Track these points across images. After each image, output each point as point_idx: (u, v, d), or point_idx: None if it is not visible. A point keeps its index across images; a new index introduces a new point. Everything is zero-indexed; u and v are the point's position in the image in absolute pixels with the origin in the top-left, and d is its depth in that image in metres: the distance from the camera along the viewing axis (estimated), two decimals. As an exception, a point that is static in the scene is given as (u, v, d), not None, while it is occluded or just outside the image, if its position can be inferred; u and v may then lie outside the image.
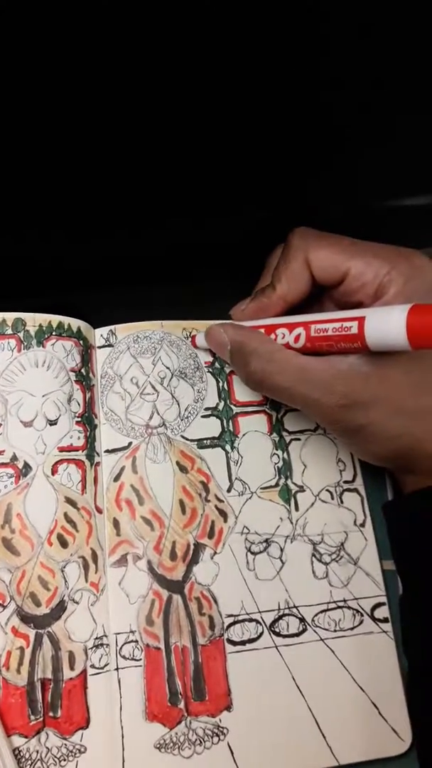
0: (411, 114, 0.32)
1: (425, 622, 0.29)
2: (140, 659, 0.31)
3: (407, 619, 0.32)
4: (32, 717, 0.30)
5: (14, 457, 0.33)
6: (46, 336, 0.35)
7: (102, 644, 0.31)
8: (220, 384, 0.37)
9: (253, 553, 0.34)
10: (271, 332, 0.31)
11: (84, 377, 0.35)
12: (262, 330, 0.32)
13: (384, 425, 0.29)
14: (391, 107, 0.31)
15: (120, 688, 0.31)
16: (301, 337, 0.30)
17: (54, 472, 0.33)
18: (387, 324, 0.25)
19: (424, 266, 0.29)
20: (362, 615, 0.33)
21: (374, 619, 0.33)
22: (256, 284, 0.36)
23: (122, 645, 0.31)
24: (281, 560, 0.34)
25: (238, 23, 0.24)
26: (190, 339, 0.37)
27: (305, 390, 0.29)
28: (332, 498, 0.35)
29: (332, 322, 0.28)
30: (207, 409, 0.36)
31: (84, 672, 0.31)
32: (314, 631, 0.33)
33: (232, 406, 0.36)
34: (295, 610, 0.33)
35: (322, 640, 0.33)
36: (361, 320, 0.26)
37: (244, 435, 0.36)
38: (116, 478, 0.34)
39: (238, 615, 0.33)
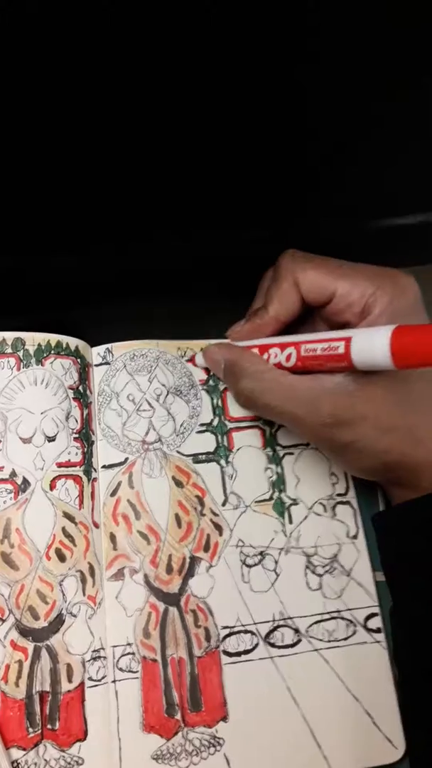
0: (404, 136, 0.33)
1: (415, 633, 0.30)
2: (137, 671, 0.32)
3: (397, 629, 0.32)
4: (30, 729, 0.30)
5: (13, 473, 0.33)
6: (44, 355, 0.36)
7: (99, 657, 0.32)
8: (215, 401, 0.37)
9: (248, 565, 0.34)
10: (265, 352, 0.32)
11: (82, 394, 0.36)
12: (256, 350, 0.33)
13: (370, 441, 0.29)
14: (386, 129, 0.32)
15: (117, 700, 0.31)
16: (292, 357, 0.31)
17: (52, 487, 0.34)
18: (372, 344, 0.26)
19: (407, 286, 0.30)
20: (355, 625, 0.34)
21: (367, 630, 0.34)
22: (250, 304, 0.37)
23: (119, 657, 0.32)
24: (276, 572, 0.34)
25: (236, 43, 0.25)
26: (188, 359, 0.38)
27: (292, 408, 0.31)
28: (325, 511, 0.36)
29: (321, 342, 0.29)
30: (202, 425, 0.37)
31: (82, 684, 0.31)
32: (309, 641, 0.33)
33: (227, 422, 0.37)
34: (289, 621, 0.34)
35: (316, 650, 0.33)
36: (347, 340, 0.28)
37: (238, 450, 0.37)
38: (113, 493, 0.35)
39: (234, 627, 0.33)
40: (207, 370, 0.38)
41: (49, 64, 0.26)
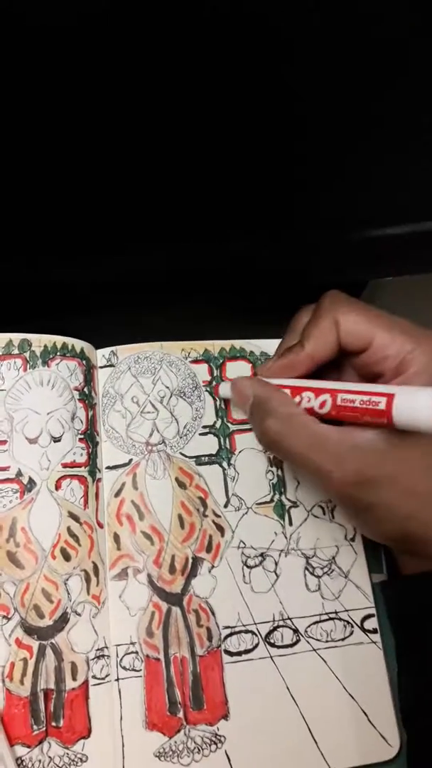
0: (392, 146, 0.34)
1: (423, 695, 0.29)
2: (140, 670, 0.32)
3: (409, 698, 0.31)
4: (35, 727, 0.31)
5: (19, 473, 0.34)
6: (50, 356, 0.36)
7: (103, 655, 0.32)
8: (218, 403, 0.38)
9: (249, 566, 0.35)
10: (297, 394, 0.31)
11: (87, 396, 0.36)
12: (288, 390, 0.32)
13: (393, 506, 0.28)
14: (374, 139, 0.33)
15: (120, 698, 0.32)
16: (327, 404, 0.29)
17: (57, 487, 0.34)
18: (416, 404, 0.25)
19: None
20: (352, 626, 0.35)
21: (364, 630, 0.35)
22: (248, 307, 0.37)
23: (123, 656, 0.32)
24: (276, 573, 0.35)
25: (232, 54, 0.26)
26: (193, 360, 0.38)
27: (318, 459, 0.29)
28: (324, 513, 0.37)
29: (360, 394, 0.28)
30: (205, 427, 0.37)
31: (86, 682, 0.32)
32: (307, 641, 0.34)
33: (229, 424, 0.38)
34: (289, 621, 0.34)
35: (314, 650, 0.34)
36: (390, 397, 0.26)
37: (240, 452, 0.37)
38: (117, 494, 0.35)
39: (235, 626, 0.34)
40: (211, 370, 0.39)
41: (44, 80, 0.26)
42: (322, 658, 0.34)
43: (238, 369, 0.39)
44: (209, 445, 0.37)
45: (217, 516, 0.36)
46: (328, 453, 0.29)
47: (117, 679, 0.32)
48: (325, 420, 0.30)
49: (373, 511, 0.29)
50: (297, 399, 0.31)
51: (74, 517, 0.34)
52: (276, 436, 0.31)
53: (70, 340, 0.36)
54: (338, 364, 0.33)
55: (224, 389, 0.37)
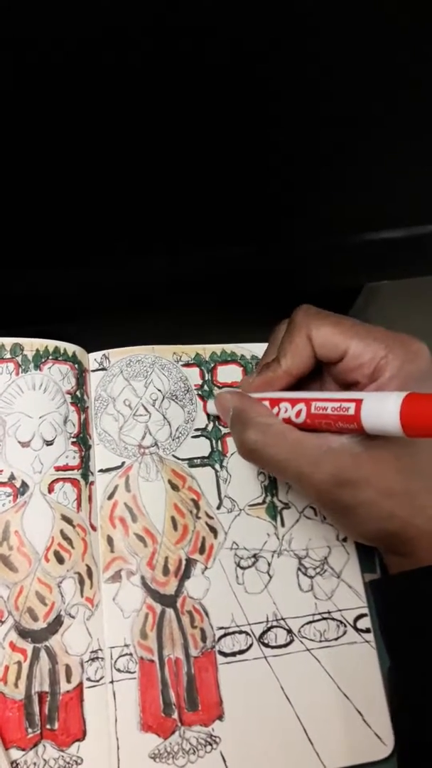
0: (385, 151, 0.35)
1: (415, 698, 0.30)
2: (135, 672, 0.32)
3: (397, 694, 0.32)
4: (30, 730, 0.31)
5: (12, 476, 0.34)
6: (43, 360, 0.36)
7: (97, 657, 0.32)
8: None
9: (242, 567, 0.35)
10: (275, 405, 0.32)
11: (79, 399, 0.36)
12: (267, 402, 0.33)
13: (372, 506, 0.29)
14: (370, 142, 0.34)
15: (115, 700, 0.32)
16: (302, 413, 0.30)
17: (50, 490, 0.34)
18: (382, 409, 0.26)
19: (419, 352, 0.30)
20: (345, 626, 0.35)
21: (357, 630, 0.35)
22: (239, 313, 0.38)
23: (117, 658, 0.33)
24: (269, 574, 0.35)
25: (224, 65, 0.26)
26: (184, 363, 0.39)
27: (296, 464, 0.30)
28: (316, 514, 0.37)
29: (332, 401, 0.29)
30: (197, 429, 0.38)
31: (80, 685, 0.32)
32: (301, 641, 0.34)
33: (221, 427, 0.38)
34: (282, 621, 0.34)
35: (308, 650, 0.34)
36: (358, 402, 0.27)
37: (232, 454, 0.37)
38: (110, 497, 0.35)
39: (229, 627, 0.34)
40: (202, 373, 0.39)
41: (47, 99, 0.26)
42: (316, 658, 0.34)
43: (229, 373, 0.39)
44: (201, 447, 0.37)
45: (210, 518, 0.36)
46: (306, 458, 0.30)
47: (111, 681, 0.32)
48: (303, 430, 0.31)
49: (352, 511, 0.29)
50: (275, 410, 0.32)
51: (67, 520, 0.34)
52: (255, 445, 0.31)
53: (62, 344, 0.37)
54: (320, 374, 0.34)
55: (210, 406, 0.38)
